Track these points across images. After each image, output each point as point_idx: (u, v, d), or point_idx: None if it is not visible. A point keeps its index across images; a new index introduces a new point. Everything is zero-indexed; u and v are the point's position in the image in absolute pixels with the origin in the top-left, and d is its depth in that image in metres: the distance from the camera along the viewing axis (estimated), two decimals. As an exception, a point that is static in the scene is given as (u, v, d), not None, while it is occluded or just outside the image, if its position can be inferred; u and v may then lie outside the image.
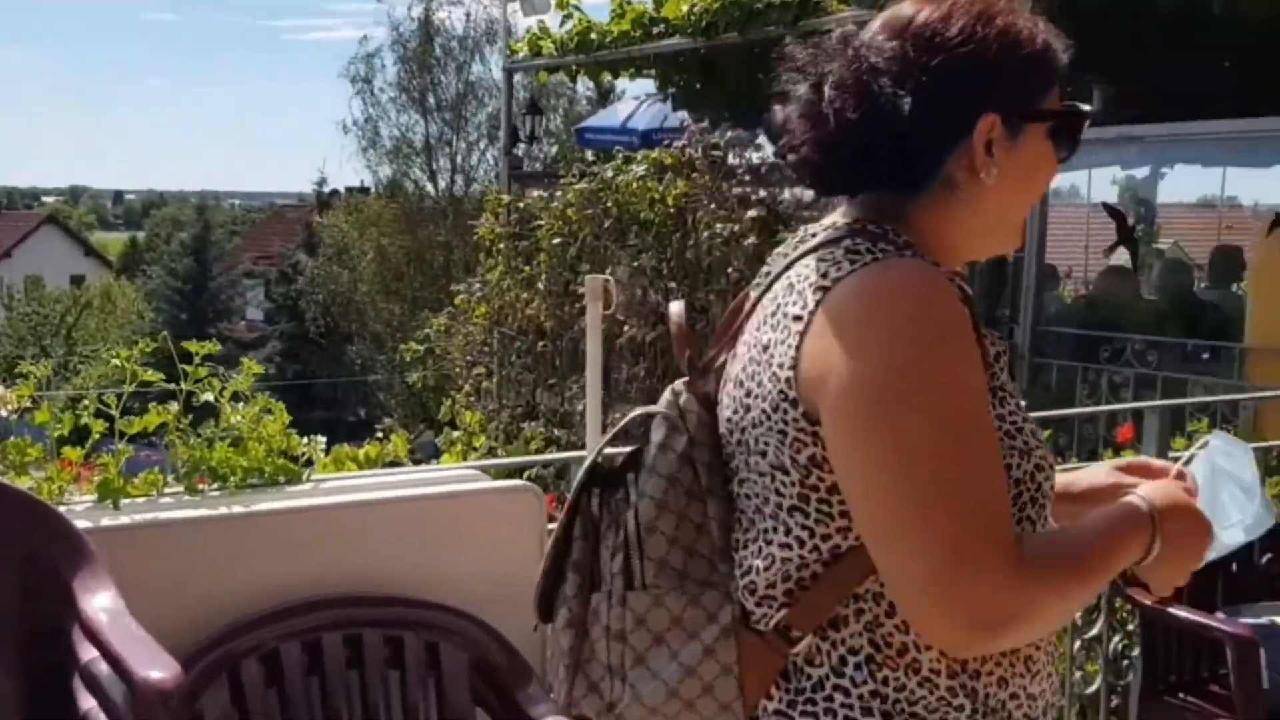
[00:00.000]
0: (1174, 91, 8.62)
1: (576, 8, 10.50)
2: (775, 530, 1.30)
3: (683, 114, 10.88)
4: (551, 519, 3.82)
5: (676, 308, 1.47)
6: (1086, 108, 1.36)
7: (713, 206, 8.27)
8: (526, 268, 10.05)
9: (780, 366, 1.28)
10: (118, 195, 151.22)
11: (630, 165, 9.02)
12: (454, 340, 10.80)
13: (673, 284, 8.72)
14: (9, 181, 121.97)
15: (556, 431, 9.52)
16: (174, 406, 2.64)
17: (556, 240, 9.50)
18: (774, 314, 1.32)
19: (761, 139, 8.45)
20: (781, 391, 1.27)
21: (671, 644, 1.32)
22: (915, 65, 1.27)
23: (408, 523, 2.67)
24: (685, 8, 9.28)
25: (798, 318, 1.27)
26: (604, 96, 29.68)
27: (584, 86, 29.82)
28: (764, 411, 1.30)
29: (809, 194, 7.52)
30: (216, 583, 2.44)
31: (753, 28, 8.80)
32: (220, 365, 2.84)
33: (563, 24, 10.62)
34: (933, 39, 1.28)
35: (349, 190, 38.78)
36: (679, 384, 1.41)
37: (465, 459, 9.57)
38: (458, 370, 10.79)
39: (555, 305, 9.67)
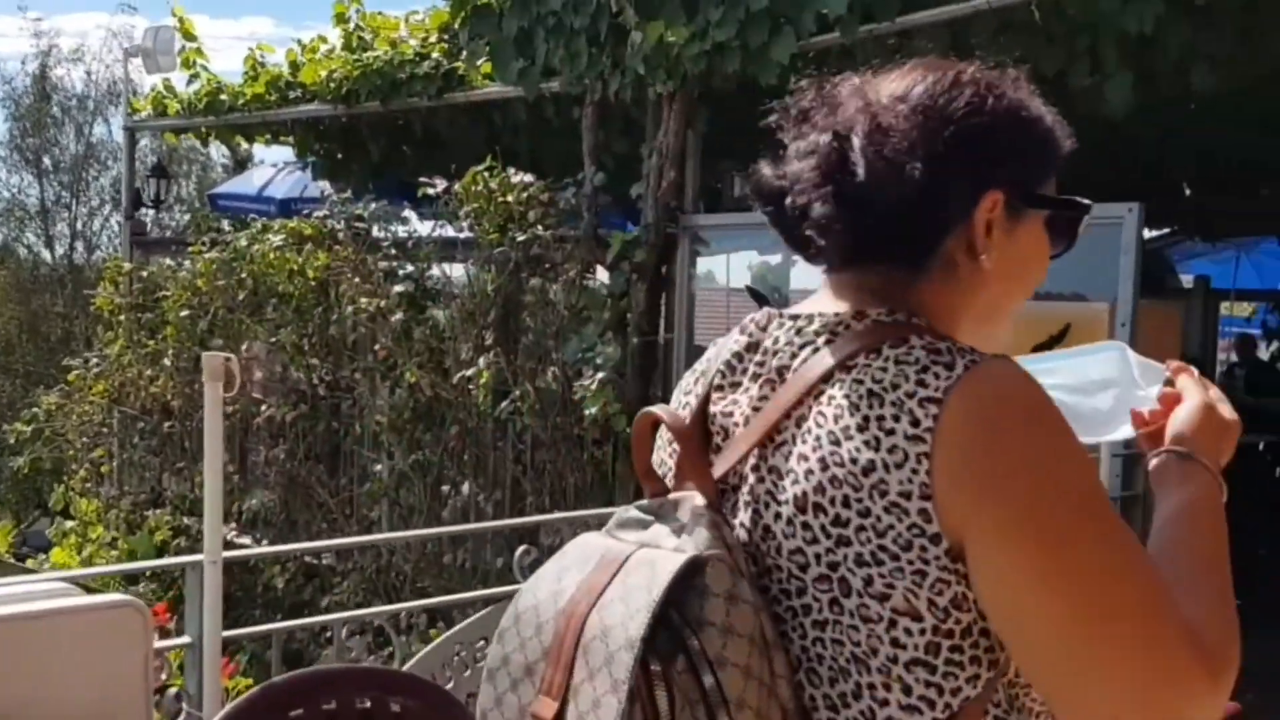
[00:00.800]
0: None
1: (204, 67, 9.85)
2: (890, 688, 1.10)
3: (324, 184, 10.40)
4: (163, 633, 3.31)
5: (673, 411, 1.23)
6: (1087, 202, 1.27)
7: (357, 280, 7.85)
8: (151, 342, 9.22)
9: (905, 496, 1.07)
10: None
11: (267, 235, 8.47)
12: (69, 420, 9.74)
13: (315, 360, 8.21)
14: None
15: (186, 520, 8.71)
16: None
17: (185, 313, 8.76)
18: (862, 428, 1.10)
19: (409, 213, 8.15)
20: (915, 526, 1.07)
21: None
22: (926, 131, 1.16)
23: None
24: (324, 74, 8.87)
25: (914, 438, 1.08)
26: (241, 164, 28.50)
27: (219, 153, 28.58)
28: (882, 548, 1.08)
29: (458, 270, 7.23)
30: None
31: (395, 98, 8.50)
32: None
33: (189, 83, 9.92)
34: (943, 107, 1.19)
35: (-49, 255, 35.34)
36: (709, 513, 1.14)
37: (80, 552, 8.60)
38: (72, 453, 9.72)
39: (183, 383, 8.90)
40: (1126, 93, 5.49)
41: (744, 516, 1.17)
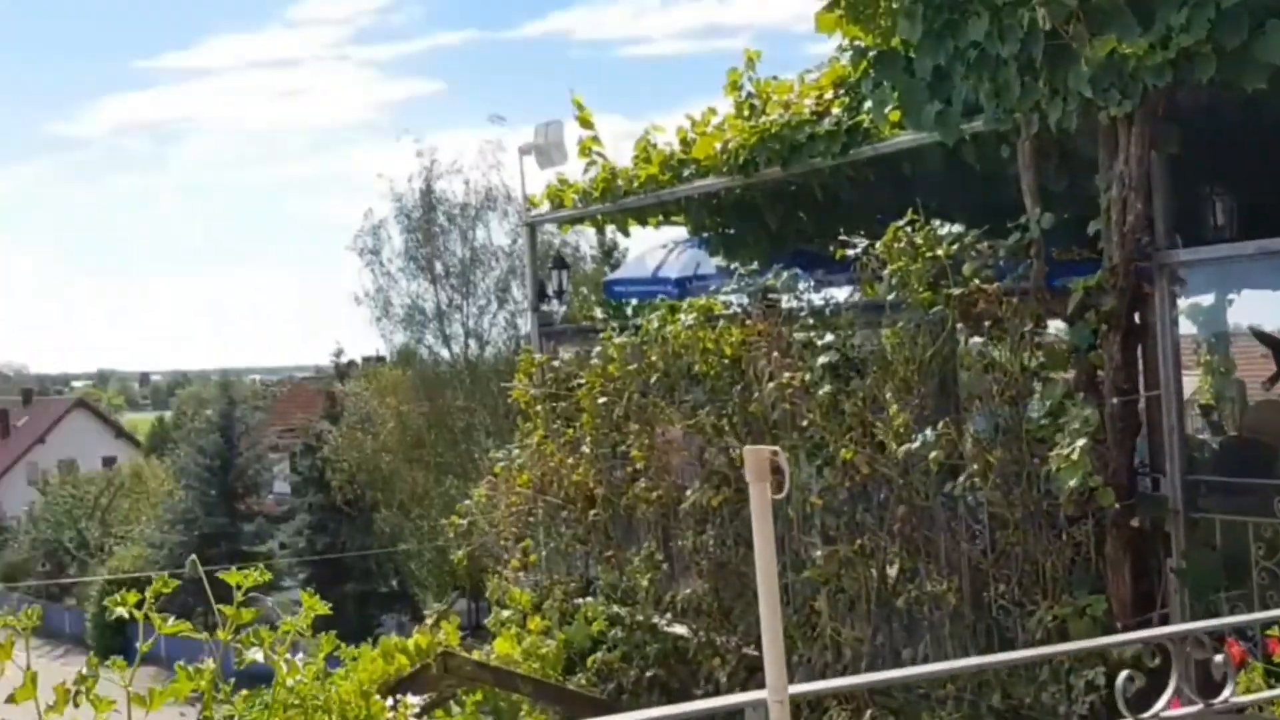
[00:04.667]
0: None
1: (600, 155, 9.51)
2: None
3: (717, 259, 9.88)
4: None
5: None
6: None
7: (775, 354, 7.15)
8: (569, 430, 8.89)
9: None
10: (144, 377, 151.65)
11: (678, 314, 7.96)
12: (496, 511, 9.54)
13: (734, 440, 7.55)
14: (39, 369, 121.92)
15: (618, 609, 8.23)
16: (208, 666, 2.10)
17: (601, 399, 8.36)
18: None
19: (826, 275, 7.42)
20: None
21: None
22: None
23: None
24: (718, 145, 8.31)
25: None
26: (608, 253, 28.96)
27: (587, 244, 29.17)
28: None
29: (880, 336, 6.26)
30: None
31: (796, 161, 7.79)
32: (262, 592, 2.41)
33: (586, 171, 9.63)
34: None
35: (365, 359, 38.00)
36: None
37: (519, 642, 8.25)
38: (502, 543, 9.51)
39: (605, 470, 8.50)
40: None
41: None
